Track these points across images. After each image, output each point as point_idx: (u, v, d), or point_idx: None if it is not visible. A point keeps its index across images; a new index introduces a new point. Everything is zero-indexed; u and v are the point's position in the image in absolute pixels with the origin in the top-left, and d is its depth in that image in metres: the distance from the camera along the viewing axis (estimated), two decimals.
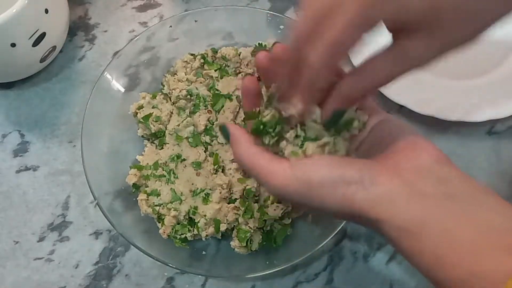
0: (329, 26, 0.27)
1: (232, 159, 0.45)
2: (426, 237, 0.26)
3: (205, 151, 0.46)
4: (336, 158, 0.30)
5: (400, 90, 0.49)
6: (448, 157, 0.30)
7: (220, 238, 0.46)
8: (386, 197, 0.27)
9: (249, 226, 0.44)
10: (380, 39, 0.29)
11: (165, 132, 0.48)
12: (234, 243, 0.44)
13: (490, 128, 0.52)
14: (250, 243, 0.44)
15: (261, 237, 0.45)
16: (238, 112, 0.47)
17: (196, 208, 0.44)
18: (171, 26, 0.53)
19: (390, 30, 0.29)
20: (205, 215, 0.43)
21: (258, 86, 0.34)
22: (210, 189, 0.44)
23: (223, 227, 0.44)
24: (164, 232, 0.44)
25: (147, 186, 0.46)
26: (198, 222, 0.44)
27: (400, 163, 0.29)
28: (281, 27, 0.52)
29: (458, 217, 0.26)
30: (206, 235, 0.44)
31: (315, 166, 0.29)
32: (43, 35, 0.49)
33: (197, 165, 0.45)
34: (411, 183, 0.28)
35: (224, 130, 0.33)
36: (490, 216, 0.27)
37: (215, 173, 0.45)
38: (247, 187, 0.44)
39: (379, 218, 0.27)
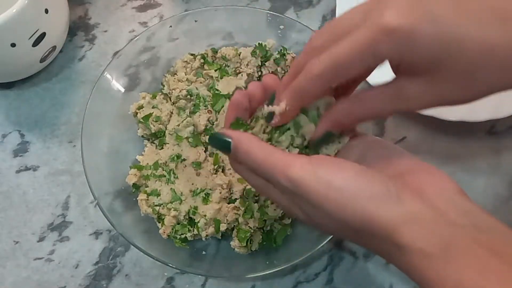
0: (340, 43, 0.28)
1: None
2: (453, 264, 0.25)
3: (205, 151, 0.46)
4: (362, 167, 0.28)
5: None
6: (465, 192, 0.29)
7: (220, 238, 0.46)
8: (411, 218, 0.26)
9: (249, 226, 0.43)
10: None
11: (165, 132, 0.48)
12: (234, 243, 0.44)
13: (490, 128, 0.52)
14: (250, 243, 0.44)
15: (261, 237, 0.45)
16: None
17: (196, 208, 0.44)
18: (171, 26, 0.53)
19: (393, 68, 0.29)
20: (205, 215, 0.43)
21: (247, 103, 0.33)
22: (210, 189, 0.44)
23: (223, 227, 0.44)
24: (164, 232, 0.44)
25: (147, 186, 0.46)
26: (198, 222, 0.44)
27: (422, 186, 0.28)
28: (281, 27, 0.53)
29: (486, 246, 0.25)
30: (206, 235, 0.44)
31: (339, 169, 0.28)
32: (43, 35, 0.49)
33: (197, 165, 0.45)
34: (438, 208, 0.26)
35: (217, 138, 0.31)
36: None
37: (215, 173, 0.45)
38: (247, 187, 0.44)
39: (400, 239, 0.26)
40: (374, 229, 0.26)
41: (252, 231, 0.43)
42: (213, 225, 0.44)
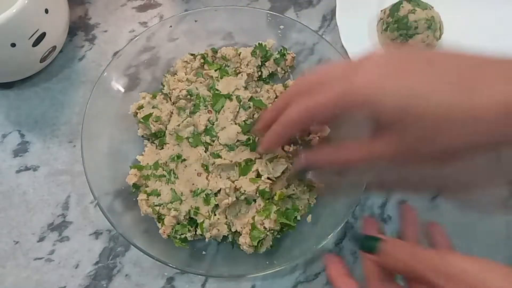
0: (316, 94, 0.33)
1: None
2: None
3: (205, 151, 0.46)
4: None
5: None
6: None
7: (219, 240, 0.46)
8: None
9: (264, 227, 0.43)
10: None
11: (165, 132, 0.48)
12: (244, 240, 0.43)
13: None
14: (260, 245, 0.43)
15: (271, 242, 0.44)
16: (238, 112, 0.47)
17: (197, 208, 0.44)
18: (171, 26, 0.53)
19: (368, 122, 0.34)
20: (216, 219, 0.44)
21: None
22: (210, 190, 0.44)
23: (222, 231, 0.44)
24: (164, 232, 0.44)
25: (147, 186, 0.46)
26: (203, 222, 0.44)
27: None
28: (281, 27, 0.53)
29: None
30: (210, 236, 0.44)
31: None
32: (43, 35, 0.49)
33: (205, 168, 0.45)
34: None
35: (368, 242, 0.35)
36: None
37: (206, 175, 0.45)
38: (260, 187, 0.44)
39: None
40: None
41: (267, 232, 0.43)
42: (217, 228, 0.44)
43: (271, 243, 0.44)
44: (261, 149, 0.43)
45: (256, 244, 0.43)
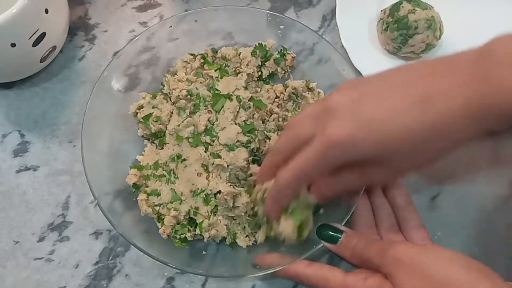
0: (299, 155, 0.35)
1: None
2: None
3: (205, 151, 0.46)
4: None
5: None
6: None
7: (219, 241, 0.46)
8: None
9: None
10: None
11: (165, 132, 0.48)
12: (286, 226, 0.41)
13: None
14: (303, 227, 0.42)
15: (312, 224, 0.42)
16: (238, 112, 0.47)
17: (197, 208, 0.44)
18: (171, 26, 0.53)
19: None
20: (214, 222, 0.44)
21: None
22: (210, 190, 0.44)
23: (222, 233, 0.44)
24: (164, 232, 0.44)
25: (147, 186, 0.46)
26: (202, 222, 0.44)
27: None
28: (281, 27, 0.53)
29: None
30: (209, 236, 0.44)
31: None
32: (43, 35, 0.49)
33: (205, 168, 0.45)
34: None
35: (328, 230, 0.43)
36: None
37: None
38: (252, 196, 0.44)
39: None
40: None
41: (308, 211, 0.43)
42: (216, 228, 0.44)
43: (312, 225, 0.42)
44: (270, 218, 0.42)
45: (299, 228, 0.41)
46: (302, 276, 0.41)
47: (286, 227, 0.41)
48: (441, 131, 0.32)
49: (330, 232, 0.42)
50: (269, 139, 0.47)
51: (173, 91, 0.48)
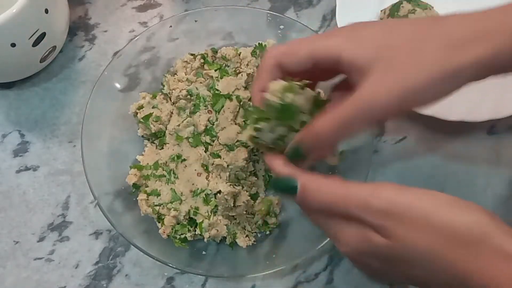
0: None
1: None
2: None
3: (205, 151, 0.46)
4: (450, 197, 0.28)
5: None
6: None
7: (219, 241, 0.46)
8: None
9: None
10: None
11: (165, 132, 0.48)
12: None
13: (490, 128, 0.52)
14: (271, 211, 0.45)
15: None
16: (238, 112, 0.47)
17: (197, 208, 0.44)
18: (171, 26, 0.53)
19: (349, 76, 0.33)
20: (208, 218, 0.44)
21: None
22: (210, 190, 0.44)
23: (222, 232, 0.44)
24: (164, 232, 0.44)
25: (147, 186, 0.46)
26: (202, 222, 0.44)
27: None
28: (281, 27, 0.53)
29: None
30: (209, 236, 0.44)
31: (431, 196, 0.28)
32: (43, 35, 0.49)
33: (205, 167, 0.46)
34: None
35: (282, 182, 0.32)
36: None
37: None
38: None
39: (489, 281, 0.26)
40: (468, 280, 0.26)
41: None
42: (216, 228, 0.44)
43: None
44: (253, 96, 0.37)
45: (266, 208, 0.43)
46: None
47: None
48: (459, 75, 0.30)
49: (283, 182, 0.33)
50: None
51: (173, 91, 0.48)
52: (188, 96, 0.48)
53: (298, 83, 0.33)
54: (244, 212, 0.44)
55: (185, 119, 0.47)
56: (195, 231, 0.44)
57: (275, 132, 0.34)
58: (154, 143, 0.49)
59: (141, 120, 0.48)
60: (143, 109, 0.48)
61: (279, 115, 0.33)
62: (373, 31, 0.32)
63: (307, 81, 0.34)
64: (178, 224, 0.44)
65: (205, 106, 0.47)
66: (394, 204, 0.28)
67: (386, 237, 0.28)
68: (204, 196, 0.44)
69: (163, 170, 0.46)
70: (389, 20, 0.33)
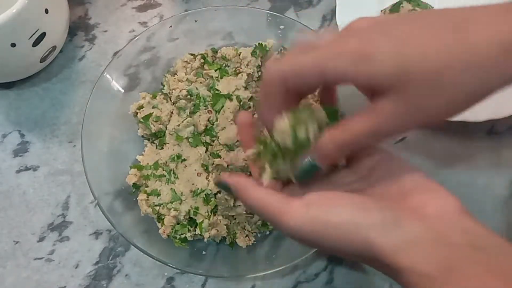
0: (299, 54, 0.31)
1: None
2: (452, 285, 0.25)
3: (205, 151, 0.46)
4: (357, 197, 0.29)
5: None
6: (467, 210, 0.29)
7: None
8: (410, 242, 0.26)
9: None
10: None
11: (165, 132, 0.48)
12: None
13: (490, 128, 0.52)
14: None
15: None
16: (238, 112, 0.47)
17: (197, 208, 0.44)
18: (171, 26, 0.53)
19: (365, 93, 0.31)
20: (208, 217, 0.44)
21: (251, 119, 0.35)
22: (210, 190, 0.44)
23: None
24: (164, 232, 0.44)
25: (147, 186, 0.46)
26: (202, 222, 0.44)
27: (423, 205, 0.28)
28: (281, 27, 0.52)
29: (486, 266, 0.25)
30: (209, 236, 0.44)
31: (334, 206, 0.28)
32: (43, 35, 0.49)
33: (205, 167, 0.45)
34: (436, 230, 0.27)
35: (222, 184, 0.33)
36: None
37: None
38: None
39: (400, 264, 0.26)
40: (374, 256, 0.27)
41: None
42: (217, 228, 0.44)
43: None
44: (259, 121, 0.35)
45: None
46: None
47: None
48: (473, 62, 0.27)
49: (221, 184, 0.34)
50: None
51: (173, 91, 0.48)
52: (188, 96, 0.48)
53: (305, 108, 0.32)
54: (244, 212, 0.44)
55: (185, 119, 0.47)
56: (195, 231, 0.44)
57: (292, 162, 0.33)
58: (154, 143, 0.49)
59: (141, 120, 0.48)
60: (143, 109, 0.48)
61: (294, 150, 0.32)
62: (388, 43, 0.28)
63: (312, 102, 0.34)
64: (178, 224, 0.44)
65: (205, 106, 0.47)
66: (297, 230, 0.29)
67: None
68: (204, 196, 0.44)
69: (163, 170, 0.46)
70: (398, 21, 0.29)
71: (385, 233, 0.26)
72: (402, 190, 0.30)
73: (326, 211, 0.28)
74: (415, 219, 0.27)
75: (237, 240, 0.45)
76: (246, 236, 0.45)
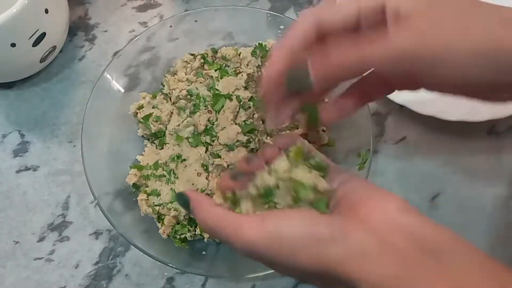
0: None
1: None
2: None
3: (205, 151, 0.46)
4: (309, 213, 0.29)
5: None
6: (413, 206, 0.29)
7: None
8: (358, 252, 0.26)
9: None
10: None
11: (165, 132, 0.48)
12: None
13: (490, 128, 0.52)
14: None
15: None
16: (238, 112, 0.47)
17: None
18: (171, 26, 0.53)
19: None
20: None
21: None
22: (210, 190, 0.44)
23: None
24: (164, 232, 0.44)
25: (147, 186, 0.46)
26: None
27: (368, 217, 0.28)
28: (281, 27, 0.52)
29: (436, 273, 0.25)
30: (209, 236, 0.44)
31: (288, 219, 0.28)
32: (43, 35, 0.49)
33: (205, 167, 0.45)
34: (382, 237, 0.27)
35: (181, 197, 0.33)
36: (466, 269, 0.26)
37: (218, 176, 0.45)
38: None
39: (352, 275, 0.26)
40: (328, 271, 0.27)
41: None
42: None
43: None
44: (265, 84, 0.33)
45: None
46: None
47: None
48: (474, 53, 0.28)
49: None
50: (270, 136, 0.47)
51: (173, 91, 0.48)
52: (188, 96, 0.48)
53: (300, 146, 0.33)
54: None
55: (185, 119, 0.47)
56: (195, 231, 0.44)
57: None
58: (154, 143, 0.49)
59: (141, 120, 0.48)
60: (143, 109, 0.48)
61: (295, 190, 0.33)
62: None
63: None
64: (178, 224, 0.44)
65: (205, 106, 0.47)
66: (253, 245, 0.28)
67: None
68: None
69: (163, 170, 0.46)
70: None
71: (332, 246, 0.26)
72: (352, 203, 0.30)
73: (280, 225, 0.28)
74: (361, 230, 0.27)
75: None
76: None
